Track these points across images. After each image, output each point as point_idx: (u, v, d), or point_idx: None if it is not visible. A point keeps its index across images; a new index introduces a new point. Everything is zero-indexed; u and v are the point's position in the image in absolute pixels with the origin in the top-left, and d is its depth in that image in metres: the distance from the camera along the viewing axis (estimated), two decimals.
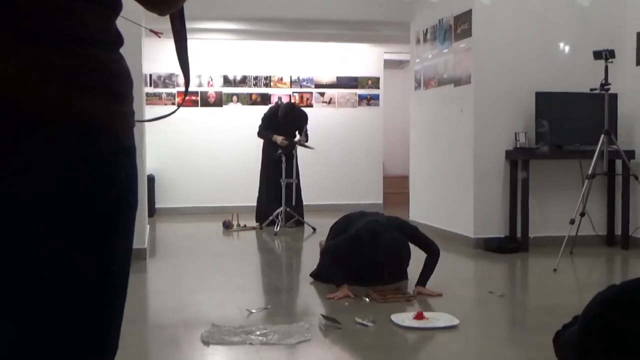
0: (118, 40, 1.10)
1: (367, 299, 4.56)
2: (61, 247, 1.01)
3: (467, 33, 7.01)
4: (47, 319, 1.03)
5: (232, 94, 10.79)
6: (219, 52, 10.63)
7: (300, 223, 8.54)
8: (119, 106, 1.08)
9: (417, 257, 4.99)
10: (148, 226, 7.27)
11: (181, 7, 1.30)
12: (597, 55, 6.01)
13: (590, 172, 5.90)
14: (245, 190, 9.92)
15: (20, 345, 1.03)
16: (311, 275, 5.30)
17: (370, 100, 11.33)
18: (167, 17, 1.28)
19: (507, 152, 6.83)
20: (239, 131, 10.49)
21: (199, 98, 10.65)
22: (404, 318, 4.03)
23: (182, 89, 10.40)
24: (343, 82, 11.20)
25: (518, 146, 6.75)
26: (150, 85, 10.31)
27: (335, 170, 10.98)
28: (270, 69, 10.91)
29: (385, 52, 11.40)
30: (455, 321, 4.00)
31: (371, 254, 4.71)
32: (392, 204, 11.17)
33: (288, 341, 3.60)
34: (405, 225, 5.07)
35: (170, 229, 8.96)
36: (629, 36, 6.89)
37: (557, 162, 6.84)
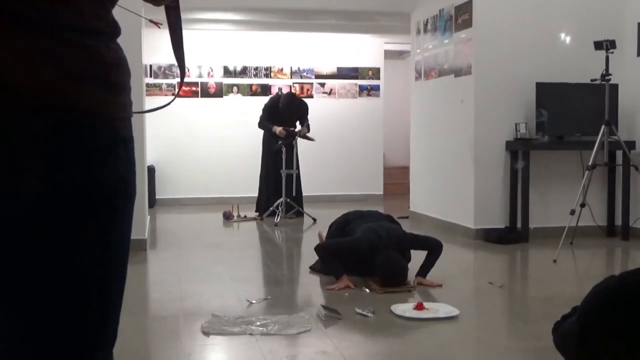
0: (115, 30, 1.10)
1: (367, 290, 4.56)
2: (59, 238, 1.01)
3: (467, 23, 6.99)
4: (47, 310, 1.03)
5: (233, 85, 10.78)
6: (220, 42, 10.61)
7: (300, 214, 8.55)
8: (116, 96, 1.07)
9: (418, 252, 5.01)
10: (148, 217, 7.27)
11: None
12: (598, 45, 6.00)
13: (590, 162, 5.89)
14: (245, 181, 9.92)
15: (21, 335, 1.04)
16: (311, 267, 5.30)
17: (370, 91, 11.31)
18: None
19: (508, 143, 6.83)
20: (239, 122, 10.49)
21: (199, 89, 10.64)
22: (404, 308, 4.04)
23: (185, 79, 10.39)
24: (343, 73, 11.18)
25: (518, 137, 6.75)
26: (151, 76, 10.30)
27: (335, 161, 10.98)
28: (270, 60, 10.90)
29: (385, 43, 11.38)
30: (455, 312, 4.00)
31: (369, 263, 4.70)
32: (392, 194, 11.18)
33: (288, 332, 3.61)
34: (404, 237, 5.00)
35: (171, 219, 8.97)
36: (629, 26, 6.88)
37: (558, 153, 6.83)
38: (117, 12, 1.18)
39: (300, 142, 8.69)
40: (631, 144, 6.55)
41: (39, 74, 0.97)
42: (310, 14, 9.27)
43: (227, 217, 8.55)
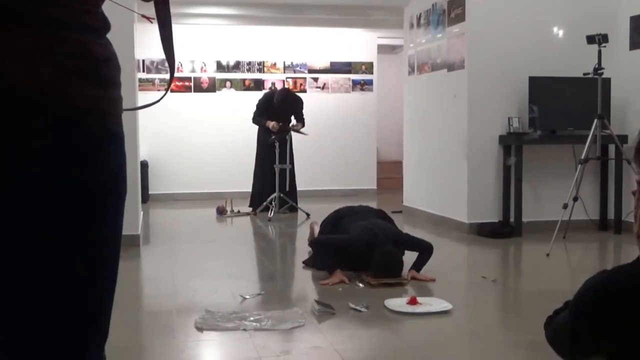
0: (105, 25, 1.09)
1: (360, 285, 4.57)
2: (49, 235, 1.01)
3: (460, 18, 6.99)
4: (37, 307, 1.02)
5: (226, 80, 10.76)
6: (212, 37, 10.59)
7: (294, 209, 8.54)
8: (106, 91, 1.07)
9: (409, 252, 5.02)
10: (141, 212, 7.26)
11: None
12: (591, 39, 6.00)
13: (583, 156, 5.90)
14: (238, 176, 9.91)
15: (11, 332, 1.03)
16: (304, 262, 5.30)
17: (364, 86, 11.31)
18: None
19: (501, 137, 6.84)
20: (232, 117, 10.47)
21: (192, 84, 10.62)
22: (398, 303, 4.04)
23: (176, 74, 10.36)
24: (337, 67, 11.17)
25: (511, 131, 6.75)
26: (143, 71, 10.27)
27: (329, 155, 10.98)
28: (263, 55, 10.88)
29: (378, 37, 11.37)
30: (449, 306, 4.01)
31: (365, 261, 4.69)
32: (385, 189, 11.19)
33: (282, 327, 3.61)
34: (400, 236, 4.99)
35: (164, 215, 8.95)
36: (622, 20, 6.89)
37: (551, 147, 6.84)
38: (108, 7, 1.17)
39: (294, 136, 8.69)
40: (623, 138, 6.56)
41: (27, 70, 0.97)
42: (303, 9, 9.26)
43: (221, 212, 8.54)
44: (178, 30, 11.15)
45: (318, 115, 10.41)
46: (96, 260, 1.07)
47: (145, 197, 9.66)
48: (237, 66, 10.80)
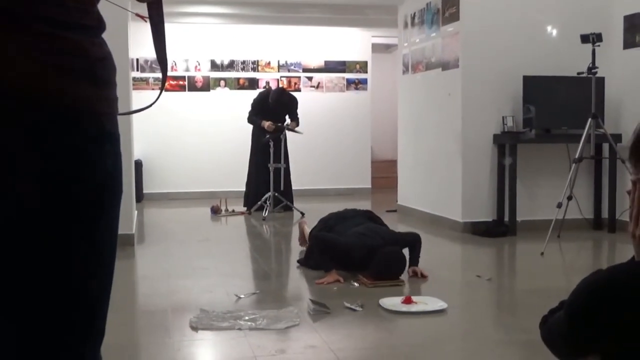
0: (100, 24, 1.09)
1: (355, 284, 4.57)
2: (46, 234, 1.00)
3: (454, 17, 7.00)
4: (32, 308, 1.02)
5: (220, 79, 10.74)
6: (206, 36, 10.58)
7: (288, 208, 8.54)
8: (102, 91, 1.06)
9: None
10: (136, 212, 7.25)
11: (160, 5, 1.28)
12: (585, 39, 6.02)
13: (577, 155, 5.92)
14: (233, 175, 9.90)
15: (6, 333, 1.03)
16: (298, 261, 5.30)
17: (358, 85, 11.31)
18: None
19: (495, 136, 6.85)
20: (226, 116, 10.46)
21: (186, 83, 10.60)
22: (393, 302, 4.04)
23: (170, 73, 10.34)
24: (331, 66, 11.17)
25: (506, 130, 6.76)
26: (137, 70, 10.25)
27: (323, 154, 10.97)
28: (257, 53, 10.87)
29: (373, 36, 11.37)
30: (443, 305, 4.01)
31: (365, 265, 4.68)
32: (380, 188, 11.20)
33: (277, 326, 3.60)
34: (395, 236, 4.97)
35: (158, 214, 8.94)
36: (616, 20, 6.90)
37: (545, 146, 6.86)
38: (103, 6, 1.17)
39: (288, 136, 8.68)
40: (617, 137, 6.58)
41: (23, 68, 0.97)
42: (297, 7, 9.26)
43: (215, 211, 8.53)
44: (172, 29, 11.18)
45: (312, 115, 10.40)
46: (93, 260, 1.07)
47: (140, 196, 9.65)
48: (231, 65, 10.79)
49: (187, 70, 10.61)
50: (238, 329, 3.56)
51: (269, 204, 8.32)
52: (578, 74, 6.15)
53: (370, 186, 11.33)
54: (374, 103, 11.52)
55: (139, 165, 9.69)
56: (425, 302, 4.07)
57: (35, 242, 1.00)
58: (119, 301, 4.16)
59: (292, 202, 8.61)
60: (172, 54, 10.33)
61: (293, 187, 8.91)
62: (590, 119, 5.94)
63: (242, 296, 4.27)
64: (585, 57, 6.04)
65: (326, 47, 11.12)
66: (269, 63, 10.94)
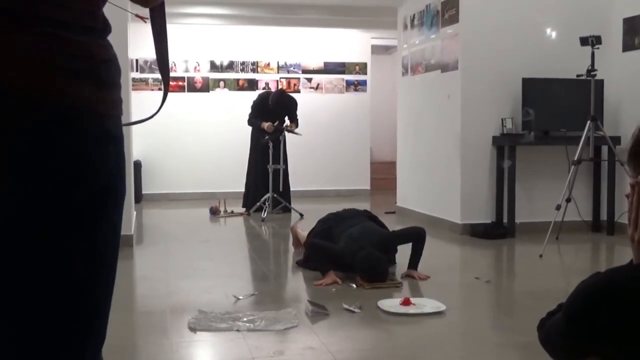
0: (105, 27, 1.09)
1: (354, 285, 4.56)
2: (48, 234, 1.00)
3: (454, 19, 7.00)
4: (34, 310, 1.02)
5: (219, 80, 10.75)
6: (206, 37, 10.58)
7: (287, 209, 8.54)
8: (106, 93, 1.07)
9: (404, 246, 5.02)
10: (135, 212, 7.24)
11: (162, 3, 1.29)
12: (584, 41, 6.02)
13: (576, 158, 5.92)
14: (232, 176, 9.90)
15: (7, 335, 1.02)
16: (297, 262, 5.30)
17: (357, 86, 11.31)
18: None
19: (494, 138, 6.85)
20: (226, 117, 10.47)
21: (185, 83, 10.60)
22: (391, 304, 4.04)
23: (170, 74, 10.34)
24: (330, 68, 11.17)
25: (505, 132, 6.76)
26: (137, 71, 10.25)
27: (322, 156, 10.98)
28: (257, 55, 10.87)
29: (372, 38, 11.38)
30: (442, 307, 4.01)
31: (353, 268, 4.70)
32: (379, 189, 11.20)
33: (275, 327, 3.60)
34: (385, 238, 4.97)
35: (157, 215, 8.94)
36: (615, 22, 6.91)
37: (544, 148, 6.86)
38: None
39: (287, 137, 8.69)
40: (616, 140, 6.58)
41: (28, 70, 0.97)
42: (297, 9, 9.27)
43: (214, 212, 8.53)
44: (171, 29, 11.06)
45: (312, 116, 10.41)
46: (95, 261, 1.07)
47: (139, 197, 9.65)
48: (230, 66, 10.79)
49: (187, 71, 10.61)
50: (236, 330, 3.56)
51: (268, 205, 8.32)
52: (577, 76, 6.16)
53: (369, 187, 11.34)
54: (373, 104, 11.53)
55: (138, 165, 9.69)
56: (424, 304, 4.07)
57: (37, 243, 1.00)
58: (118, 302, 4.14)
59: (289, 203, 8.61)
60: (172, 54, 10.30)
61: (292, 188, 8.91)
62: (589, 122, 5.94)
63: (240, 297, 4.27)
64: (585, 60, 6.04)
65: (326, 49, 11.12)
66: (268, 64, 10.95)
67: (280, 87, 10.67)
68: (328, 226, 5.22)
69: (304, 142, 9.71)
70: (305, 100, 10.34)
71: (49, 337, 1.03)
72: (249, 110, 8.83)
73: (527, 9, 6.89)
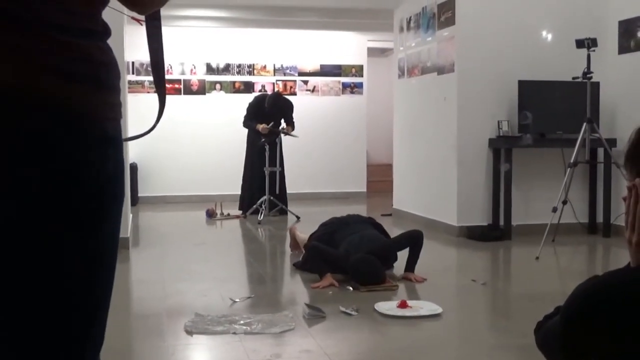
0: (106, 30, 1.09)
1: (350, 288, 4.56)
2: (46, 237, 1.00)
3: (450, 21, 7.01)
4: (32, 313, 1.02)
5: (215, 82, 10.74)
6: (202, 39, 10.57)
7: (284, 212, 8.54)
8: (106, 96, 1.07)
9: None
10: (131, 215, 7.24)
11: (158, 15, 1.28)
12: (580, 43, 6.03)
13: (572, 160, 5.93)
14: (228, 178, 9.89)
15: (4, 338, 1.02)
16: (294, 264, 5.30)
17: (354, 89, 11.32)
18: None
19: (490, 141, 6.85)
20: (222, 119, 10.46)
21: (181, 86, 10.60)
22: (388, 307, 4.04)
23: (166, 76, 10.33)
24: (327, 70, 11.18)
25: (501, 134, 6.77)
26: (133, 73, 10.24)
27: (318, 158, 10.98)
28: (253, 57, 10.87)
29: (368, 40, 11.39)
30: (439, 309, 4.01)
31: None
32: (375, 191, 11.20)
33: (272, 330, 3.60)
34: (384, 245, 4.96)
35: (153, 217, 8.93)
36: (611, 25, 6.92)
37: (540, 151, 6.87)
38: None
39: (284, 139, 8.69)
40: (612, 142, 6.59)
41: (29, 73, 0.97)
42: (293, 11, 9.27)
43: (210, 215, 8.52)
44: (168, 32, 11.07)
45: (308, 118, 10.41)
46: (94, 263, 1.07)
47: (135, 200, 9.63)
48: (227, 69, 10.78)
49: (183, 73, 10.61)
50: (233, 333, 3.56)
51: (265, 207, 8.32)
52: (573, 78, 6.17)
53: (365, 190, 11.33)
54: (369, 107, 11.53)
55: (134, 168, 9.68)
56: (421, 307, 4.07)
57: (35, 246, 1.00)
58: (114, 304, 4.12)
59: (286, 205, 8.61)
60: (168, 57, 10.32)
61: (289, 191, 8.91)
62: (585, 124, 5.96)
63: (237, 300, 4.26)
64: (581, 62, 6.06)
65: (322, 51, 11.13)
66: (264, 67, 10.95)
67: (276, 89, 10.68)
68: (330, 231, 5.19)
69: (301, 144, 9.71)
70: (301, 102, 10.34)
71: (47, 340, 1.03)
72: (245, 113, 8.83)
73: (523, 12, 6.90)
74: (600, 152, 6.77)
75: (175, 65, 10.53)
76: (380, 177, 11.47)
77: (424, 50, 7.67)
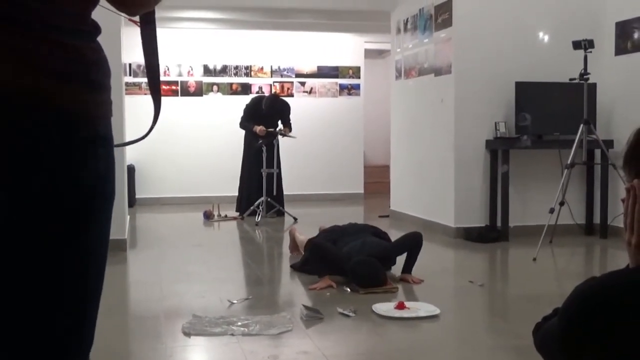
0: (96, 29, 1.09)
1: (348, 290, 4.56)
2: (36, 236, 1.00)
3: (447, 23, 7.02)
4: (20, 315, 1.01)
5: (213, 84, 10.74)
6: (199, 41, 10.57)
7: (281, 213, 8.54)
8: (97, 95, 1.07)
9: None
10: (128, 217, 7.23)
11: (153, 18, 1.28)
12: (577, 45, 6.04)
13: (569, 161, 5.93)
14: (226, 180, 9.89)
15: None
16: (292, 266, 5.30)
17: (351, 90, 11.32)
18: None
19: (487, 142, 6.86)
20: (219, 121, 10.46)
21: (179, 88, 10.59)
22: (386, 308, 4.04)
23: (163, 78, 10.33)
24: (324, 72, 11.18)
25: (498, 136, 6.78)
26: (130, 75, 10.23)
27: (316, 160, 10.98)
28: (250, 59, 10.87)
29: (366, 42, 11.39)
30: (436, 311, 4.01)
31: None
32: (373, 193, 11.20)
33: (270, 332, 3.60)
34: (385, 251, 4.93)
35: (151, 219, 8.92)
36: (608, 26, 6.93)
37: (537, 152, 6.87)
38: (96, 10, 1.17)
39: (281, 141, 8.69)
40: (609, 143, 6.60)
41: (20, 72, 0.97)
42: (290, 13, 9.26)
43: (208, 216, 8.52)
44: (165, 34, 11.10)
45: (305, 120, 10.41)
46: (84, 263, 1.06)
47: (132, 201, 9.62)
48: (224, 70, 10.79)
49: (180, 75, 10.61)
50: (231, 335, 3.56)
51: (262, 209, 8.32)
52: (570, 80, 6.17)
53: (362, 191, 11.34)
54: (366, 108, 11.54)
55: (131, 170, 9.67)
56: (418, 308, 4.07)
57: (24, 244, 0.99)
58: (111, 306, 4.15)
59: (283, 207, 8.61)
60: (165, 58, 10.32)
61: (286, 192, 8.91)
62: (582, 125, 5.96)
63: (234, 302, 4.26)
64: (578, 63, 6.06)
65: (319, 53, 11.13)
66: (261, 68, 10.95)
67: (273, 91, 10.68)
68: (332, 238, 5.14)
69: (298, 146, 9.71)
70: (298, 104, 10.34)
71: (34, 343, 1.03)
72: (242, 114, 8.83)
73: (520, 13, 6.91)
74: (598, 153, 6.78)
75: (173, 66, 10.53)
76: (377, 178, 11.47)
77: (421, 52, 7.68)
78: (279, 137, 8.59)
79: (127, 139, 7.48)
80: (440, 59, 7.18)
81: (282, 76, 11.03)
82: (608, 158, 6.37)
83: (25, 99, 0.97)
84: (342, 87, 11.29)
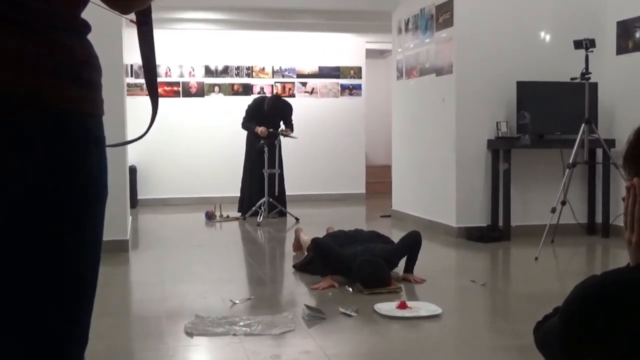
0: (86, 27, 1.09)
1: (350, 289, 4.56)
2: (27, 235, 1.00)
3: (448, 23, 7.02)
4: (11, 308, 1.01)
5: (214, 85, 10.75)
6: (201, 42, 10.58)
7: (283, 213, 8.54)
8: (88, 93, 1.06)
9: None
10: (130, 217, 7.23)
11: (150, 19, 1.28)
12: (578, 44, 6.04)
13: (571, 161, 5.93)
14: (227, 180, 9.90)
15: None
16: (294, 266, 5.30)
17: (352, 90, 11.32)
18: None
19: (489, 142, 6.86)
20: (221, 121, 10.46)
21: (180, 88, 10.60)
22: (387, 308, 4.04)
23: (164, 79, 10.34)
24: (325, 72, 11.19)
25: (499, 135, 6.78)
26: (131, 76, 10.23)
27: (317, 160, 10.98)
28: (252, 59, 10.88)
29: (367, 42, 11.40)
30: (438, 310, 4.01)
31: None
32: (374, 193, 11.20)
33: (272, 332, 3.60)
34: (389, 254, 4.89)
35: (153, 220, 8.93)
36: (609, 25, 6.93)
37: (539, 151, 6.87)
38: (96, 11, 1.17)
39: (283, 141, 8.69)
40: (611, 142, 6.60)
41: (13, 70, 0.97)
42: (291, 13, 9.27)
43: (210, 217, 8.52)
44: (166, 35, 11.12)
45: (307, 120, 10.41)
46: (77, 261, 1.06)
47: (134, 202, 9.63)
48: (225, 71, 10.79)
49: (182, 76, 10.61)
50: (233, 335, 3.56)
51: (264, 209, 8.32)
52: (571, 79, 6.17)
53: (364, 191, 11.34)
54: (368, 108, 11.54)
55: (133, 171, 9.67)
56: (420, 308, 4.07)
57: (17, 242, 0.99)
58: (114, 307, 4.15)
59: (285, 207, 8.61)
60: (167, 59, 10.33)
61: (288, 193, 8.92)
62: (583, 124, 5.96)
63: (237, 302, 4.27)
64: (579, 63, 6.06)
65: (320, 53, 11.13)
66: (263, 69, 10.95)
67: (275, 92, 10.68)
68: (338, 243, 5.13)
69: (299, 146, 9.72)
70: (300, 104, 10.34)
71: (30, 339, 1.02)
72: (244, 114, 8.84)
73: (521, 13, 6.91)
74: (599, 152, 6.78)
75: (174, 67, 10.53)
76: (379, 178, 11.47)
77: (422, 52, 7.68)
78: (281, 137, 8.60)
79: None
80: (441, 59, 7.18)
81: (283, 77, 11.04)
82: (610, 157, 6.37)
83: (17, 97, 0.97)
84: (344, 88, 11.30)
